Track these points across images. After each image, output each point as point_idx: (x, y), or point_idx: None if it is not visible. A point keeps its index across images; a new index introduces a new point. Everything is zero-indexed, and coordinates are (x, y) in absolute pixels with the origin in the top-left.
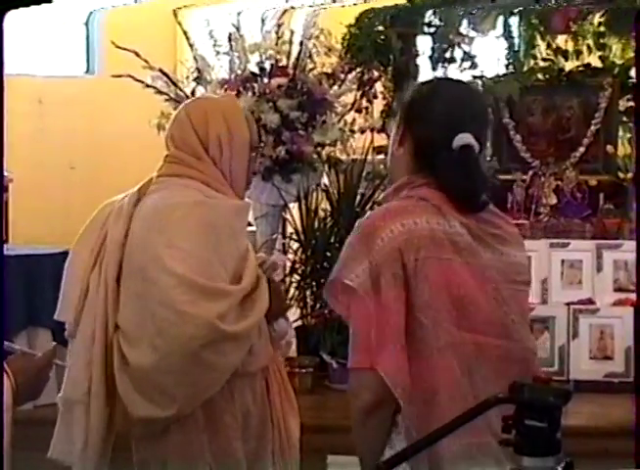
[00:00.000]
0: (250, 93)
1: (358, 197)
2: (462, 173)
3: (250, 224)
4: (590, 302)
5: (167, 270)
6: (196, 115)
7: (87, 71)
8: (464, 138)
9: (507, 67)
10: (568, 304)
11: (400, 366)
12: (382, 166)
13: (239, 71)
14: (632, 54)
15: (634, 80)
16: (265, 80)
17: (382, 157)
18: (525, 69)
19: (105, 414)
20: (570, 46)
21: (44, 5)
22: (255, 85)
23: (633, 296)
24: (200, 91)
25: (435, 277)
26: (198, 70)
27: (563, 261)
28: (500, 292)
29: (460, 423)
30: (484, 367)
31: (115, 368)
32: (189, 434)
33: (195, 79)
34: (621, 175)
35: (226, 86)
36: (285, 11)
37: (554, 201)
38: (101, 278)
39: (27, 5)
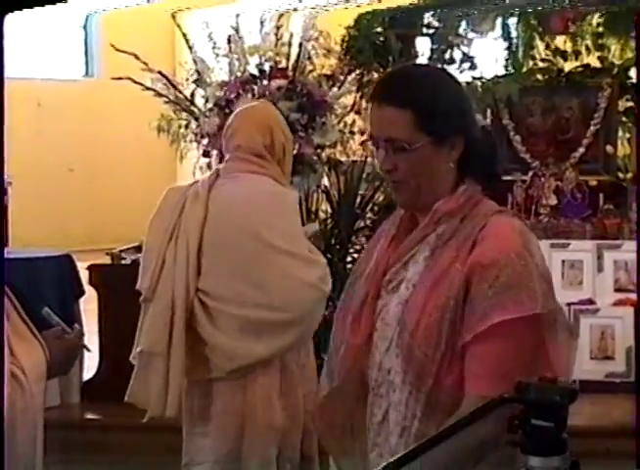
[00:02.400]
0: (249, 95)
1: (358, 198)
2: (497, 161)
3: None
4: (591, 302)
5: (271, 245)
6: (262, 127)
7: (86, 74)
8: (484, 122)
9: (506, 68)
10: (568, 304)
11: None
12: None
13: (238, 74)
14: (631, 54)
15: (633, 80)
16: (265, 82)
17: None
18: (525, 69)
19: (183, 365)
20: (568, 47)
21: (43, 7)
22: (255, 87)
23: (634, 296)
24: (199, 93)
25: None
26: (197, 72)
27: (563, 262)
28: None
29: (464, 425)
30: None
31: (201, 323)
32: (269, 377)
33: (194, 81)
34: (621, 175)
35: (225, 88)
36: (281, 14)
37: (554, 201)
38: (177, 251)
39: (28, 7)
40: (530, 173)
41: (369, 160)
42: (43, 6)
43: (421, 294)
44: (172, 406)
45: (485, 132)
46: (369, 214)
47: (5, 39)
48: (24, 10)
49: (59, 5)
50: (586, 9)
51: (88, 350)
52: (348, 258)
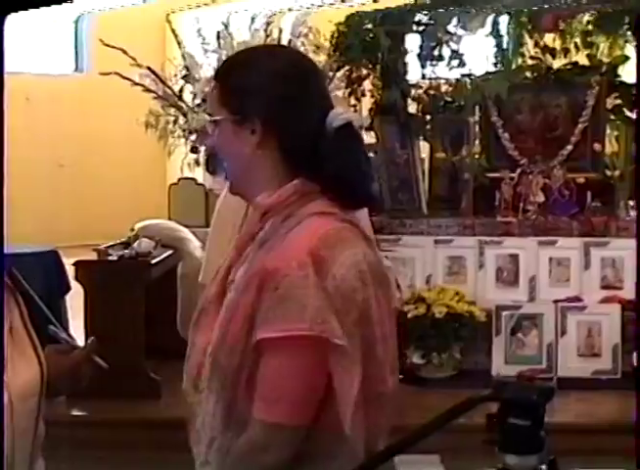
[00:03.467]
0: None
1: None
2: (352, 160)
3: None
4: (578, 299)
5: None
6: None
7: (76, 70)
8: (341, 114)
9: (495, 65)
10: (556, 301)
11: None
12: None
13: None
14: (620, 52)
15: (622, 78)
16: None
17: (372, 155)
18: (514, 67)
19: None
20: (557, 44)
21: (47, 8)
22: None
23: (621, 293)
24: (188, 89)
25: (378, 316)
26: (186, 67)
27: (551, 259)
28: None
29: (441, 423)
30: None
31: None
32: None
33: (183, 77)
34: (609, 173)
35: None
36: (274, 12)
37: (542, 199)
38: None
39: (29, 8)
40: (518, 171)
41: None
42: (47, 6)
43: (234, 298)
44: None
45: (343, 134)
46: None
47: (5, 39)
48: (26, 11)
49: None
50: (578, 8)
51: (103, 366)
52: None
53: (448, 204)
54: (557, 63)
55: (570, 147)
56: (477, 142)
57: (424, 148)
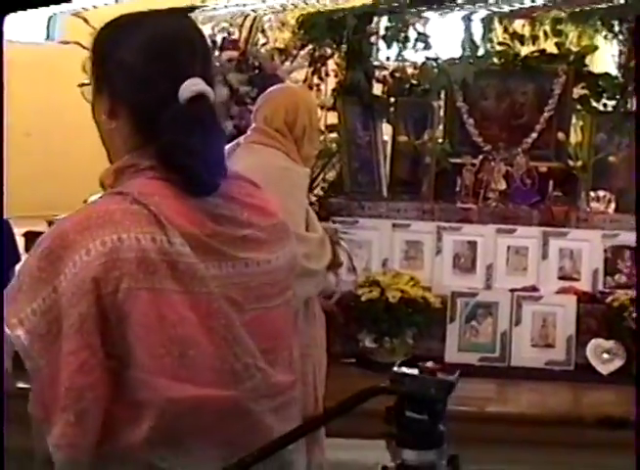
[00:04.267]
0: None
1: None
2: (196, 136)
3: None
4: (534, 289)
5: None
6: (290, 106)
7: (47, 38)
8: (193, 85)
9: (463, 49)
10: (512, 290)
11: (73, 443)
12: (334, 145)
13: None
14: (588, 41)
15: (589, 68)
16: (216, 53)
17: (334, 135)
18: (482, 52)
19: None
20: (527, 31)
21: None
22: None
23: (577, 284)
24: None
25: (143, 315)
26: None
27: (509, 248)
28: (232, 329)
29: (333, 416)
30: (203, 425)
31: None
32: None
33: None
34: (572, 163)
35: None
36: None
37: (503, 186)
38: None
39: (28, 8)
40: (480, 157)
41: (322, 137)
42: (45, 6)
43: None
44: None
45: (191, 107)
46: (316, 191)
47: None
48: (26, 11)
49: None
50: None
51: None
52: None
53: (409, 188)
54: (525, 50)
55: (534, 135)
56: (441, 127)
57: (387, 130)
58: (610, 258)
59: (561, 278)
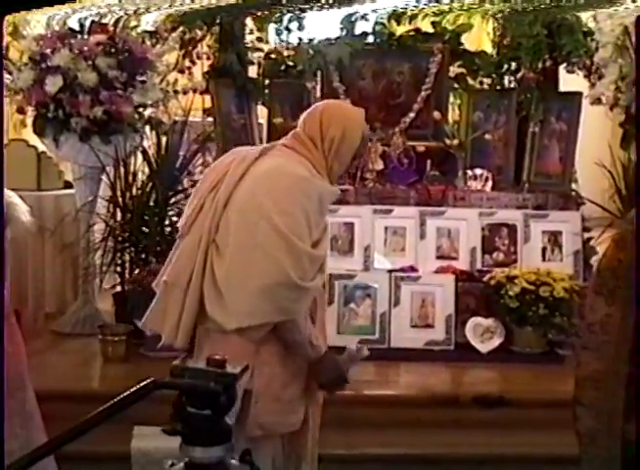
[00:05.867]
0: (67, 50)
1: (179, 160)
2: None
3: (69, 186)
4: (412, 269)
5: (275, 229)
6: (327, 115)
7: None
8: None
9: (341, 30)
10: (390, 271)
11: None
12: (211, 128)
13: (57, 27)
14: (464, 20)
15: (465, 47)
16: (85, 37)
17: (211, 119)
18: (357, 32)
19: (198, 299)
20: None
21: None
22: (73, 42)
23: (455, 263)
24: (13, 47)
25: None
26: (13, 24)
27: (386, 228)
28: None
29: (114, 412)
30: None
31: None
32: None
33: (9, 34)
34: (449, 142)
35: (42, 42)
36: None
37: (380, 166)
38: (214, 201)
39: (28, 8)
40: None
41: (198, 120)
42: (41, 7)
43: None
44: (182, 339)
45: None
46: (186, 179)
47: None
48: (26, 11)
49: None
50: None
51: None
52: (166, 221)
53: None
54: (401, 29)
55: (412, 115)
56: None
57: (262, 113)
58: (487, 237)
59: (439, 257)
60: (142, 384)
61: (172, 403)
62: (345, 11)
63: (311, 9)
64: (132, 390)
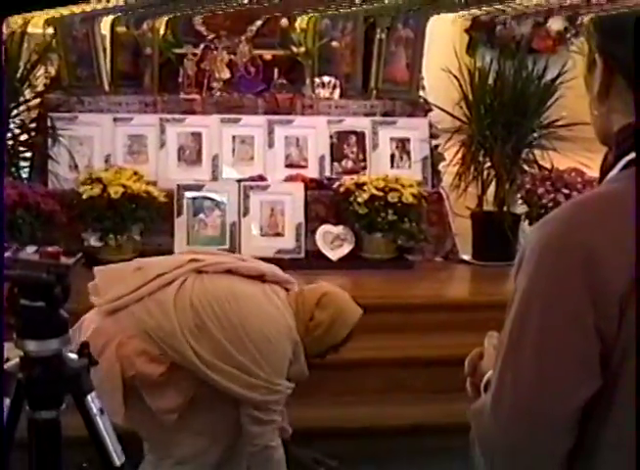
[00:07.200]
0: None
1: (20, 70)
2: None
3: None
4: (261, 178)
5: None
6: (326, 297)
7: None
8: None
9: None
10: (239, 180)
11: None
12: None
13: None
14: None
15: None
16: None
17: (52, 31)
18: None
19: None
20: None
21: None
22: None
23: (304, 172)
24: None
25: None
26: None
27: (234, 137)
28: None
29: None
30: None
31: None
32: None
33: None
34: (296, 50)
35: None
36: None
37: (227, 75)
38: None
39: (28, 9)
40: (202, 46)
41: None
42: (41, 9)
43: None
44: None
45: None
46: (28, 90)
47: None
48: (26, 11)
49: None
50: None
51: None
52: (9, 134)
53: (132, 81)
54: None
55: (259, 23)
56: (165, 17)
57: (106, 23)
58: (336, 144)
59: (288, 166)
60: None
61: (6, 297)
62: None
63: None
64: None
